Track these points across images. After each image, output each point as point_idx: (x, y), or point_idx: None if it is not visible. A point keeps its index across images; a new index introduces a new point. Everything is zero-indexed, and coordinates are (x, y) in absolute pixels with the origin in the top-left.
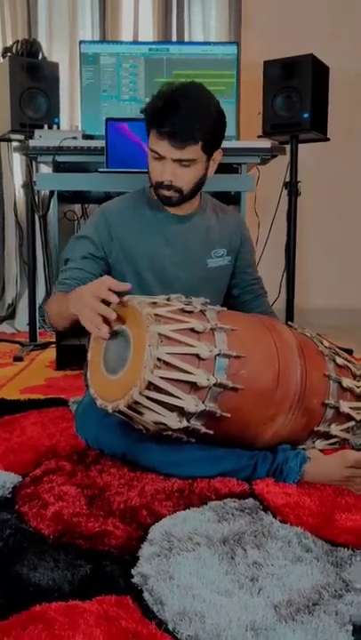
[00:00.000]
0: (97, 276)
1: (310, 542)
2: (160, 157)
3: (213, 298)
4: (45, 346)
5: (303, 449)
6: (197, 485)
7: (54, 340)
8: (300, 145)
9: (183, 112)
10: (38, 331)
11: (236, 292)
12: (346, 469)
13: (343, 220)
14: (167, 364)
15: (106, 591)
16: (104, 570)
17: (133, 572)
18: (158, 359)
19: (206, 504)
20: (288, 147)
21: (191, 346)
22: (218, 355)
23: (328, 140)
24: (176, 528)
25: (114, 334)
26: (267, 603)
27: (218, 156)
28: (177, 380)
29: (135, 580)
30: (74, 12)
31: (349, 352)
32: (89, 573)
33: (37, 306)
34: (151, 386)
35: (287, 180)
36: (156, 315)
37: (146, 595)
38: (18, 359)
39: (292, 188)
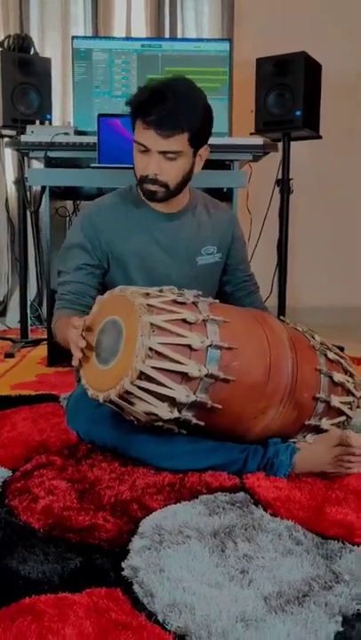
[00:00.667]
0: (95, 287)
1: (301, 535)
2: (145, 150)
3: (204, 294)
4: (37, 343)
5: (294, 442)
6: (188, 479)
7: (46, 336)
8: (292, 142)
9: (170, 101)
10: (30, 328)
11: (229, 289)
12: (332, 449)
13: (335, 217)
14: (159, 353)
15: (96, 584)
16: (94, 563)
17: (124, 564)
18: (150, 349)
19: (197, 498)
20: (280, 144)
21: (183, 336)
22: (210, 346)
23: (320, 137)
24: (167, 521)
25: (106, 325)
26: (257, 594)
27: (205, 153)
28: (168, 370)
29: (125, 572)
30: (66, 8)
31: (341, 349)
32: (79, 566)
33: (29, 303)
34: (143, 375)
35: (279, 177)
36: (148, 305)
37: (136, 587)
38: (9, 356)
39: (284, 185)
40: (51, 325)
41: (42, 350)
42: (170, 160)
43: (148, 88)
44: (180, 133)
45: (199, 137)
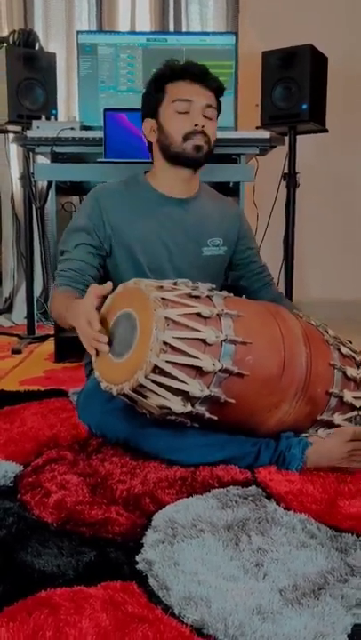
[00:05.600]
0: (95, 267)
1: (314, 528)
2: (185, 112)
3: None
4: (44, 338)
5: (306, 437)
6: (200, 473)
7: (53, 332)
8: (298, 136)
9: (199, 64)
10: (36, 323)
11: (244, 283)
12: (346, 444)
13: (342, 211)
14: (173, 348)
15: (111, 577)
16: (108, 556)
17: (138, 558)
18: (165, 343)
19: (209, 491)
20: (286, 138)
21: (198, 330)
22: (224, 340)
23: (327, 131)
24: (180, 515)
25: (120, 317)
26: (272, 587)
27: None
28: (183, 365)
29: (140, 566)
30: (70, 2)
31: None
32: (93, 560)
33: (35, 299)
34: (157, 369)
35: (286, 171)
36: (163, 298)
37: (151, 580)
38: (16, 351)
39: (290, 179)
40: (48, 303)
41: (49, 346)
42: (208, 119)
43: (170, 61)
44: (219, 87)
45: (219, 102)
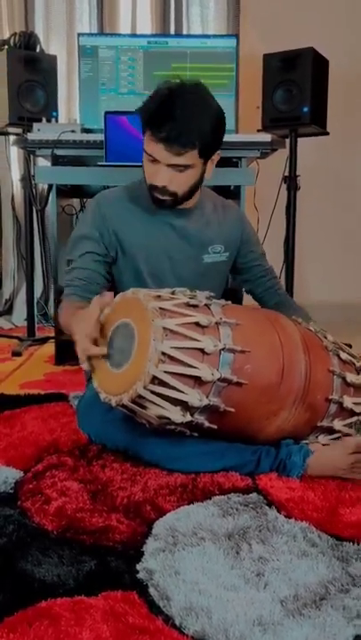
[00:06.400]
0: (102, 275)
1: (315, 537)
2: (155, 160)
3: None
4: (44, 341)
5: (306, 443)
6: (201, 480)
7: (53, 335)
8: (299, 139)
9: (180, 117)
10: (36, 325)
11: (248, 287)
12: (349, 456)
13: (343, 213)
14: (172, 358)
15: (111, 587)
16: (109, 565)
17: (138, 567)
18: (163, 353)
19: (210, 499)
20: (287, 141)
21: (196, 340)
22: (223, 349)
23: (328, 133)
24: (180, 523)
25: (118, 328)
26: (273, 597)
27: (216, 158)
28: (181, 375)
29: (140, 575)
30: (71, 5)
31: (349, 347)
32: (94, 569)
33: (35, 301)
34: (155, 380)
35: (286, 174)
36: (161, 308)
37: (152, 590)
38: (16, 354)
39: (291, 182)
40: (57, 310)
41: (49, 348)
42: (179, 172)
43: (157, 97)
44: (190, 150)
45: (210, 148)
